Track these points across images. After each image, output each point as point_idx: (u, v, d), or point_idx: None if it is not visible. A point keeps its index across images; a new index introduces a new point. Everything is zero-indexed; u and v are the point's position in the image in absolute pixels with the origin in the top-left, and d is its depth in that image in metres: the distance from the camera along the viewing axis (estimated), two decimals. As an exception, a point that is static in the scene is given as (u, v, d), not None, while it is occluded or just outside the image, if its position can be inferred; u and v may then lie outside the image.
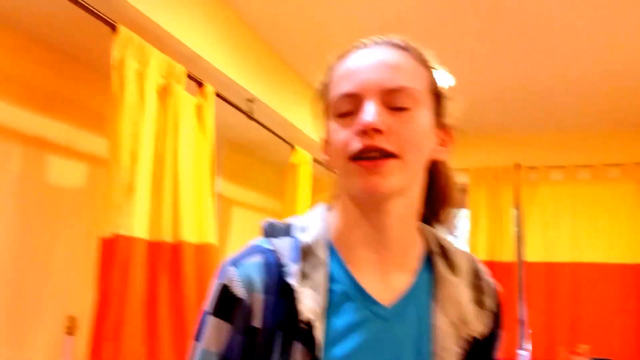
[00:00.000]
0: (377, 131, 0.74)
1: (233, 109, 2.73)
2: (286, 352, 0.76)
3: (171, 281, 2.06)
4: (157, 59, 1.96)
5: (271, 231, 0.86)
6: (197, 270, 2.16)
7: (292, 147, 3.54)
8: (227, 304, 0.79)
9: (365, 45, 0.83)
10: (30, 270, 2.23)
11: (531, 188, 4.56)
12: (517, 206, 4.58)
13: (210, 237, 2.28)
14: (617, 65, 3.23)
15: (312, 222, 0.85)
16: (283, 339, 0.76)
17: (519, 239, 4.56)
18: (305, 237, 0.82)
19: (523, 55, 3.17)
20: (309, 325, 0.76)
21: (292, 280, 0.77)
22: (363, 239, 0.82)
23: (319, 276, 0.78)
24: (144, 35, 1.92)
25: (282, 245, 0.82)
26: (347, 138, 0.76)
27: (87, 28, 1.94)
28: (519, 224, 4.58)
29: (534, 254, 4.45)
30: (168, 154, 2.03)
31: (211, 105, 2.33)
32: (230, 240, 4.01)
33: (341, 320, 0.78)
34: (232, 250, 4.11)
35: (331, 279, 0.80)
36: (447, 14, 2.69)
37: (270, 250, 0.82)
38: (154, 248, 1.98)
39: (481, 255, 4.52)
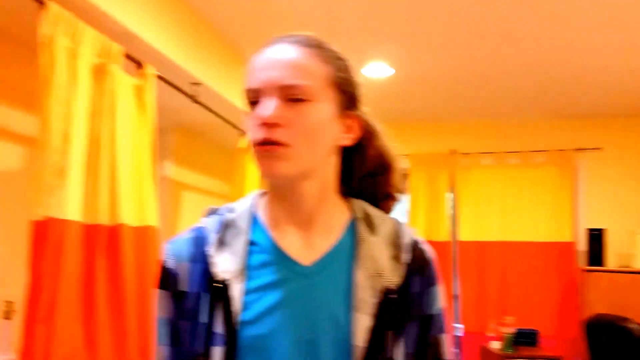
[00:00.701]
0: (274, 124, 0.79)
1: (179, 93, 2.57)
2: (211, 312, 0.82)
3: (109, 263, 1.90)
4: (91, 38, 1.79)
5: (208, 213, 0.92)
6: (137, 253, 2.01)
7: (241, 131, 3.40)
8: (163, 276, 0.87)
9: (274, 43, 0.85)
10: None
11: (465, 172, 4.56)
12: (452, 190, 4.58)
13: (151, 219, 2.12)
14: (545, 58, 3.23)
15: (241, 202, 0.93)
16: (210, 300, 0.82)
17: (454, 220, 4.57)
18: (230, 214, 0.89)
19: (458, 47, 3.12)
20: (224, 285, 0.82)
21: (208, 247, 0.85)
22: (285, 213, 0.88)
23: (239, 243, 0.85)
24: (78, 12, 1.74)
25: (210, 222, 0.89)
26: (252, 127, 0.82)
27: (14, 2, 1.74)
28: (454, 206, 4.58)
29: (467, 233, 4.47)
30: (104, 136, 1.86)
31: (152, 87, 2.16)
32: (181, 223, 3.85)
33: (261, 280, 0.84)
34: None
35: (255, 247, 0.86)
36: (384, 5, 2.59)
37: (200, 227, 0.89)
38: (90, 231, 1.82)
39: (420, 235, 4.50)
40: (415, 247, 0.89)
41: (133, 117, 2.04)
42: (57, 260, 1.66)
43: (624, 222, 4.20)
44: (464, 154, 4.57)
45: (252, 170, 3.50)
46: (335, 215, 0.90)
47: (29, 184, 2.18)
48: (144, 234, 2.06)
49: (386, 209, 0.97)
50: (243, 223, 0.88)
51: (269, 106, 0.80)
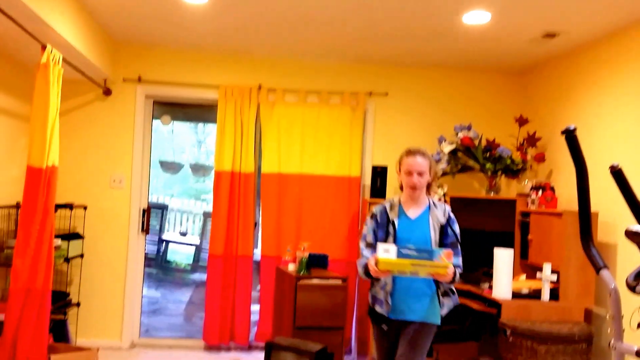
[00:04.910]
0: (415, 183, 2.87)
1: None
2: (388, 229, 2.88)
3: None
4: None
5: (386, 200, 2.99)
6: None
7: (43, 45, 3.21)
8: (372, 215, 2.96)
9: (412, 154, 2.91)
10: None
11: (269, 108, 4.94)
12: (257, 123, 4.94)
13: None
14: (351, 3, 3.68)
15: (395, 197, 2.99)
16: (387, 224, 2.89)
17: (258, 153, 4.96)
18: (392, 200, 2.97)
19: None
20: (393, 220, 2.90)
21: (387, 209, 2.94)
22: (409, 201, 2.94)
23: (395, 209, 2.93)
24: None
25: (387, 202, 2.97)
26: (409, 181, 2.89)
27: None
28: (258, 139, 4.96)
29: (269, 166, 4.91)
30: None
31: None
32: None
33: (400, 220, 2.90)
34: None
35: (399, 211, 2.92)
36: None
37: (384, 204, 2.96)
38: None
39: (226, 167, 4.81)
40: (449, 212, 2.93)
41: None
42: None
43: (403, 159, 5.07)
44: (270, 89, 4.95)
45: (55, 90, 3.36)
46: (423, 202, 2.94)
47: None
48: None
49: (430, 191, 2.97)
50: (396, 203, 2.94)
51: (414, 179, 2.86)
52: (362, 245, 2.93)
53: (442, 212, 2.92)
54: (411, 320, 2.84)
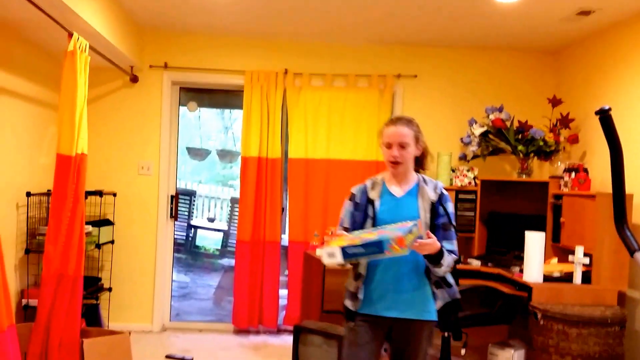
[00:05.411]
0: (396, 157, 2.44)
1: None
2: (367, 209, 2.45)
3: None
4: None
5: (368, 180, 2.54)
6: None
7: (69, 33, 3.26)
8: (351, 196, 2.54)
9: (393, 122, 2.49)
10: None
11: (296, 92, 4.94)
12: (284, 108, 4.94)
13: None
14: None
15: (379, 175, 2.56)
16: (366, 205, 2.47)
17: (285, 138, 4.97)
18: (375, 178, 2.55)
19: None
20: (372, 200, 2.47)
21: (368, 189, 2.51)
22: (392, 178, 2.51)
23: (378, 188, 2.50)
24: None
25: (368, 181, 2.54)
26: (388, 155, 2.45)
27: None
28: (285, 124, 4.97)
29: (295, 151, 4.91)
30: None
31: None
32: (3, 134, 3.61)
33: (384, 200, 2.47)
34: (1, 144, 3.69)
35: (382, 189, 2.49)
36: None
37: (365, 183, 2.54)
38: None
39: (253, 152, 4.83)
40: (442, 189, 2.49)
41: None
42: None
43: (432, 144, 4.95)
44: (296, 73, 4.93)
45: (82, 78, 3.41)
46: (411, 178, 2.50)
47: None
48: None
49: (424, 167, 2.59)
50: (379, 181, 2.52)
51: (394, 152, 2.43)
52: (338, 232, 2.38)
53: (432, 188, 2.46)
54: (395, 318, 2.39)
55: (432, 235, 2.27)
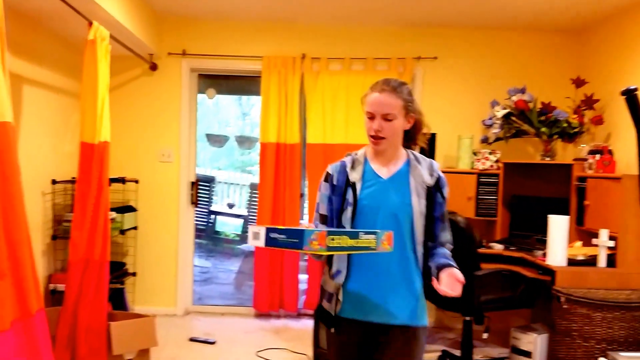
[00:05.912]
0: (378, 131, 1.99)
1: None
2: (346, 194, 2.02)
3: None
4: None
5: (347, 155, 2.13)
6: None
7: (89, 22, 3.30)
8: (326, 175, 2.11)
9: (376, 88, 2.02)
10: None
11: (314, 77, 4.94)
12: (302, 93, 4.95)
13: (6, 115, 2.14)
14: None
15: (360, 150, 2.12)
16: (345, 189, 2.03)
17: (303, 123, 4.98)
18: (355, 155, 2.11)
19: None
20: (353, 183, 2.03)
21: (347, 168, 2.07)
22: (378, 157, 2.08)
23: (359, 167, 2.07)
24: None
25: (347, 158, 2.12)
26: (369, 128, 2.02)
27: None
28: (303, 110, 4.98)
29: (314, 136, 4.93)
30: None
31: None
32: (24, 121, 3.68)
33: (367, 183, 2.04)
34: (26, 131, 3.79)
35: (364, 169, 2.06)
36: None
37: (344, 160, 2.11)
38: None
39: (272, 138, 4.86)
40: (438, 171, 2.10)
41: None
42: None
43: (453, 127, 5.00)
44: (313, 58, 4.93)
45: (103, 66, 3.45)
46: (400, 156, 2.09)
47: None
48: None
49: (415, 142, 2.15)
50: (361, 159, 2.10)
51: (376, 124, 1.99)
52: (314, 219, 2.11)
53: (427, 169, 2.06)
54: (382, 324, 2.02)
55: (457, 275, 1.92)
